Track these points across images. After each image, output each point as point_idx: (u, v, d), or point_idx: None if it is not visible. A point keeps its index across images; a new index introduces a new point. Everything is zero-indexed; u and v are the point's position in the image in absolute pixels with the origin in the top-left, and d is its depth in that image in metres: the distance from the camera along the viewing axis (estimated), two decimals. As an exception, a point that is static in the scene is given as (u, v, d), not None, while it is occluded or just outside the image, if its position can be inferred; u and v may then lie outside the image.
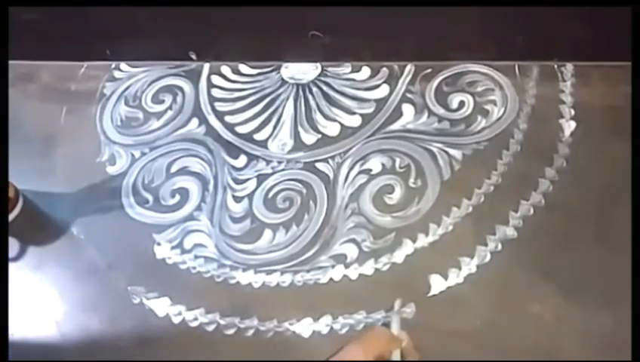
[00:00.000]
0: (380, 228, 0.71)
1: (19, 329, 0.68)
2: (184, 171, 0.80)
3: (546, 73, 0.82)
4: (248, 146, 0.81)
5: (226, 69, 0.90)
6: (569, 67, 0.82)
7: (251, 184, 0.77)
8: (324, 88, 0.85)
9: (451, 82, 0.83)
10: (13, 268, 0.73)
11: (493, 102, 0.80)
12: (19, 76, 0.93)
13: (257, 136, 0.82)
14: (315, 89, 0.85)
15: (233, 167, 0.79)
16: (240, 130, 0.83)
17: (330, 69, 0.87)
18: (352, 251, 0.70)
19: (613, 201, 0.68)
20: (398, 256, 0.69)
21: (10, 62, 0.88)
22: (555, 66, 0.82)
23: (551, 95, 0.80)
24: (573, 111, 0.78)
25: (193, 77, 0.89)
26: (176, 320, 0.67)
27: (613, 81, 0.78)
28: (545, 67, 0.82)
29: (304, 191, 0.75)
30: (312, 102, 0.84)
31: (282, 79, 0.87)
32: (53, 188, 0.80)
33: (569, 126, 0.76)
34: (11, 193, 0.76)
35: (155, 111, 0.87)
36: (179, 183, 0.79)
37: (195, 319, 0.67)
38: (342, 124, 0.81)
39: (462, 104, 0.80)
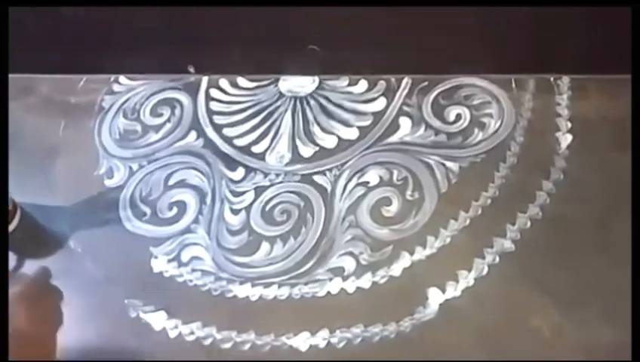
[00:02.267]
0: (378, 241, 0.71)
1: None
2: (182, 184, 0.80)
3: (543, 86, 0.82)
4: (246, 159, 0.81)
5: (224, 82, 0.90)
6: (565, 80, 0.82)
7: (249, 196, 0.77)
8: (322, 101, 0.85)
9: (448, 95, 0.83)
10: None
11: (490, 115, 0.80)
12: (18, 89, 0.93)
13: (255, 149, 0.82)
14: (312, 102, 0.86)
15: (231, 180, 0.79)
16: (238, 142, 0.83)
17: (327, 82, 0.88)
18: (349, 264, 0.69)
19: (611, 214, 0.68)
20: (396, 269, 0.68)
21: (10, 75, 0.88)
22: (552, 79, 0.83)
23: (547, 108, 0.80)
24: (569, 124, 0.78)
25: (191, 90, 0.90)
26: (172, 334, 0.67)
27: (609, 94, 0.79)
28: (541, 80, 0.83)
29: (302, 203, 0.75)
30: (310, 115, 0.84)
31: (280, 92, 0.88)
32: (51, 201, 0.79)
33: (565, 139, 0.77)
34: (9, 206, 0.76)
35: (153, 124, 0.87)
36: (176, 196, 0.79)
37: (192, 333, 0.66)
38: (339, 137, 0.81)
39: (459, 117, 0.81)
